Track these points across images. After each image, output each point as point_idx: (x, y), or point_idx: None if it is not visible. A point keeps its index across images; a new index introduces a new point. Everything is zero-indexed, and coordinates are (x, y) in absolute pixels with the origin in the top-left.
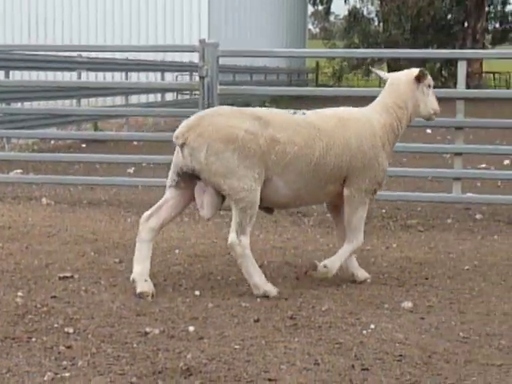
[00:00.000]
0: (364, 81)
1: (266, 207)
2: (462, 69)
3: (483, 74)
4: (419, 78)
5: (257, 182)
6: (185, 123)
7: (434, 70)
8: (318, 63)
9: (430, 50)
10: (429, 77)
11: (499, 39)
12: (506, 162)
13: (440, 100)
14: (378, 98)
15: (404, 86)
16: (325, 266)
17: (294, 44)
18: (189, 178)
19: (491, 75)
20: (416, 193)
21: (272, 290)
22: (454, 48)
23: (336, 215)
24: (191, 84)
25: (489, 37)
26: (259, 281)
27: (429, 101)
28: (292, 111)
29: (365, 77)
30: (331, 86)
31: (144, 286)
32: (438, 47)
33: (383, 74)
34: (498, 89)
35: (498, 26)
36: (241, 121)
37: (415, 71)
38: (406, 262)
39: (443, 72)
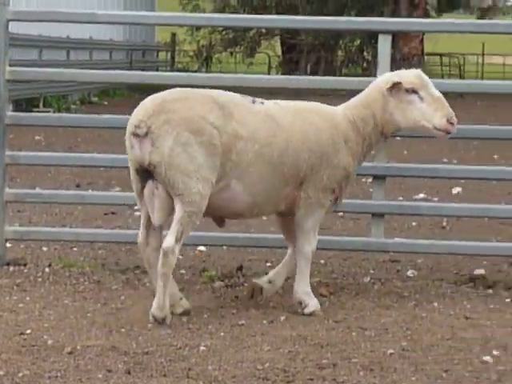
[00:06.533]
0: (245, 64)
1: (219, 217)
2: (384, 47)
3: (425, 57)
4: (392, 86)
5: (211, 188)
6: (142, 110)
7: (352, 49)
8: (174, 36)
9: (339, 18)
10: (408, 80)
11: (448, 4)
12: (457, 190)
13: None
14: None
15: (371, 87)
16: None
17: (135, 4)
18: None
19: (437, 58)
20: (319, 236)
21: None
22: (382, 16)
23: (287, 230)
24: None
25: (433, 0)
26: (163, 302)
27: (411, 110)
28: (250, 99)
29: (248, 58)
30: (196, 72)
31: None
32: (357, 14)
33: None
34: (446, 78)
35: None
36: (208, 109)
37: (387, 75)
38: (297, 343)
39: (365, 53)
